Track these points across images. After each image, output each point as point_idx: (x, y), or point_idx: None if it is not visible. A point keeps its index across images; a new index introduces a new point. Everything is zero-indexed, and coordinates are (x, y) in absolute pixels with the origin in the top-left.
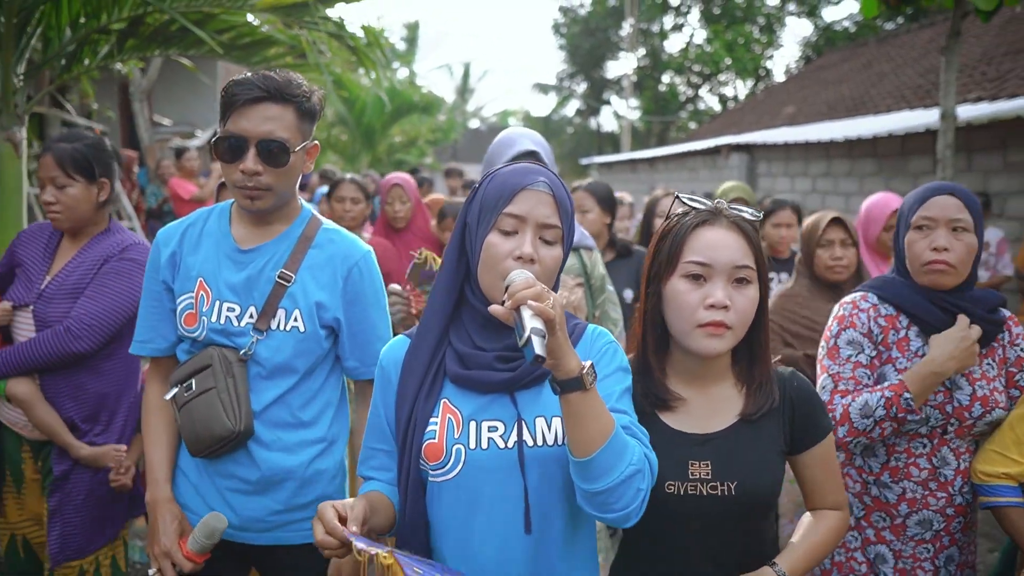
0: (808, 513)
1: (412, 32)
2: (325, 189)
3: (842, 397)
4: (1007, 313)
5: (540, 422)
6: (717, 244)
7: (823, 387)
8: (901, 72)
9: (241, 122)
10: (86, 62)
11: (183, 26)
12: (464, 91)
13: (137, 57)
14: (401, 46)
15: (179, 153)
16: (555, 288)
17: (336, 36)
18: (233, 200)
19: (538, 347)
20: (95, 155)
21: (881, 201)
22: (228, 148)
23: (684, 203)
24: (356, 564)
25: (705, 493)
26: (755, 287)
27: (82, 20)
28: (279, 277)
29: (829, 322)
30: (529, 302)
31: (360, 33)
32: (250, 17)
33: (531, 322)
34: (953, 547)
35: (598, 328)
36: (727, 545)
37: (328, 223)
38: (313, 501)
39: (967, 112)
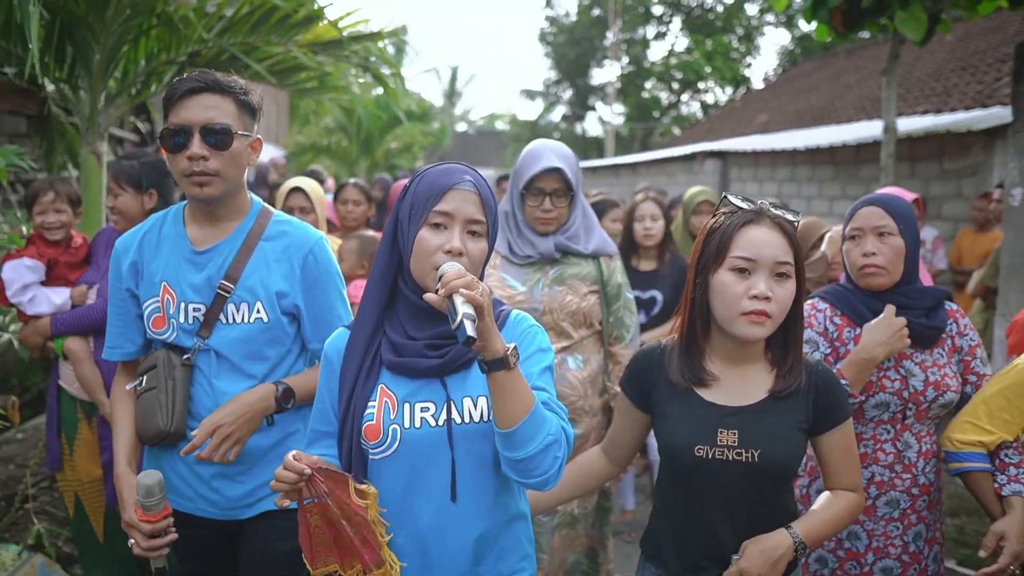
0: (826, 491)
1: (400, 36)
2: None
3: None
4: (953, 306)
5: (467, 402)
6: (761, 242)
7: None
8: (864, 84)
9: (182, 112)
10: (153, 88)
11: (232, 55)
12: (451, 95)
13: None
14: (389, 50)
15: None
16: (480, 277)
17: (363, 66)
18: (185, 203)
19: (470, 329)
20: (145, 170)
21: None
22: (173, 138)
23: (731, 203)
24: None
25: (731, 458)
26: (793, 281)
27: (155, 54)
28: (219, 288)
29: None
30: (461, 290)
31: (378, 60)
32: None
33: (463, 308)
34: (920, 524)
35: (520, 313)
36: (747, 508)
37: (280, 214)
38: None
39: (910, 125)
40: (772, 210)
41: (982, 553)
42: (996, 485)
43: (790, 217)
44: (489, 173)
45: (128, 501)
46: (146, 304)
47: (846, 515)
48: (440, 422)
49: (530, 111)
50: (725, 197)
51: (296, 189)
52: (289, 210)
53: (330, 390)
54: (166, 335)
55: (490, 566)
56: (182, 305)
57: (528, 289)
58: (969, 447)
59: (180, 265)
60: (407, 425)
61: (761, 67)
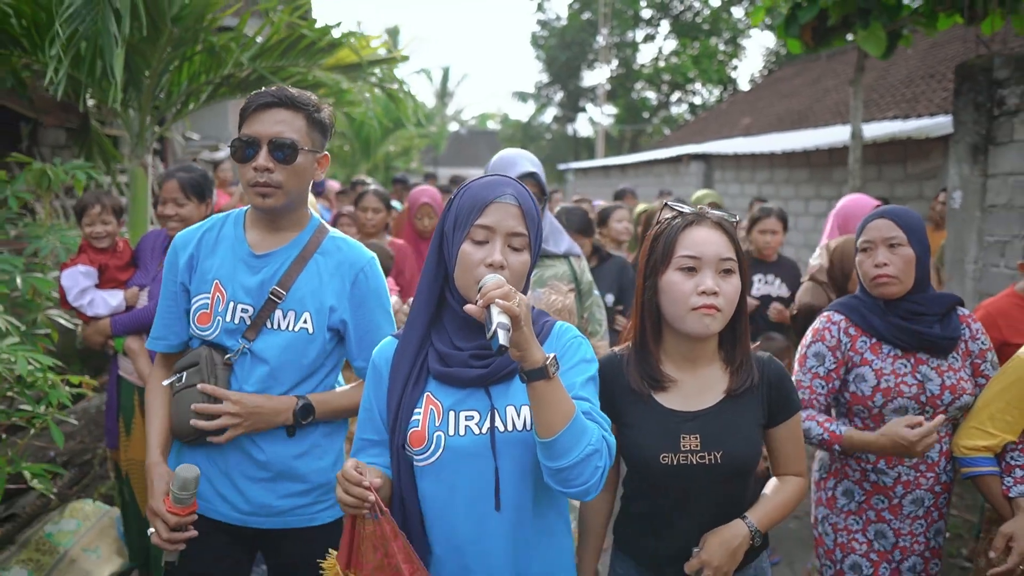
0: (775, 478)
1: (393, 38)
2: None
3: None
4: (965, 311)
5: (511, 410)
6: (705, 240)
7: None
8: (841, 88)
9: (254, 125)
10: (191, 106)
11: (260, 75)
12: (443, 95)
13: (224, 99)
14: (382, 51)
15: (215, 164)
16: (526, 288)
17: (379, 86)
18: (248, 207)
19: (502, 339)
20: (205, 183)
21: (860, 200)
22: (242, 148)
23: (672, 208)
24: (360, 517)
25: (695, 462)
26: (737, 277)
27: (196, 76)
28: (272, 294)
29: (808, 331)
30: (497, 301)
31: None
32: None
33: (498, 318)
34: (941, 521)
35: (565, 324)
36: (712, 506)
37: (335, 231)
38: (314, 489)
39: (878, 130)
40: (711, 212)
41: (992, 554)
42: (1004, 487)
43: (728, 217)
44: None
45: (158, 490)
46: (195, 299)
47: (794, 498)
48: (484, 430)
49: (522, 112)
50: (666, 204)
51: (345, 191)
52: (341, 215)
53: (378, 398)
54: (208, 332)
55: None
56: (231, 304)
57: None
58: (976, 452)
59: (236, 265)
60: (452, 433)
61: (748, 68)
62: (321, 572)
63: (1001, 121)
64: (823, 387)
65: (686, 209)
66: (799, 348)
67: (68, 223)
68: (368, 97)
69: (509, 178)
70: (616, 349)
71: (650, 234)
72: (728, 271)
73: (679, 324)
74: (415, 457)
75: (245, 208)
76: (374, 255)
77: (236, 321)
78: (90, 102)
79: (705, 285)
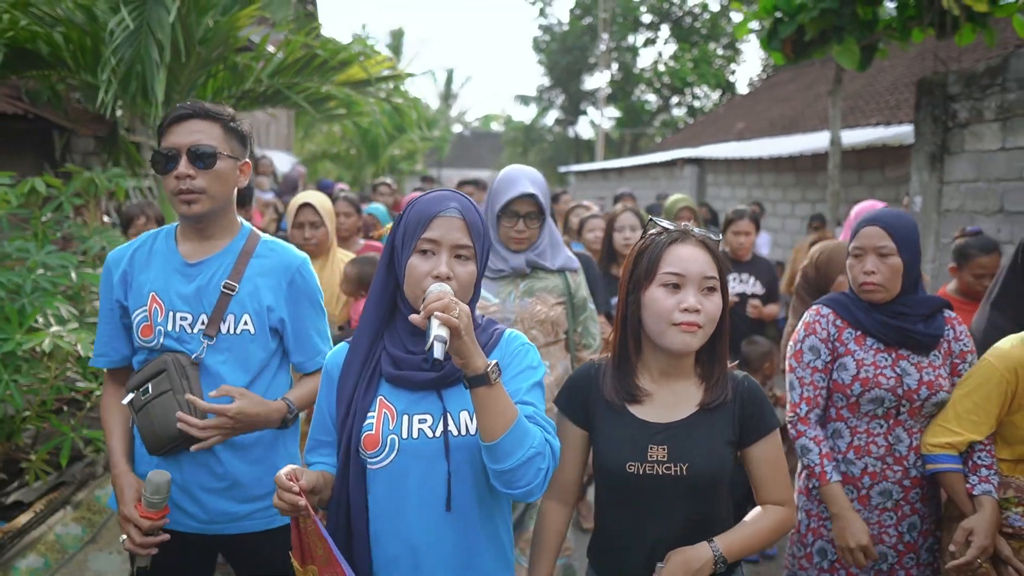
0: (758, 507)
1: (397, 39)
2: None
3: (806, 405)
4: (952, 314)
5: (464, 415)
6: (689, 258)
7: (790, 384)
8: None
9: (172, 137)
10: None
11: (276, 89)
12: (447, 97)
13: (247, 111)
14: (386, 52)
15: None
16: (475, 297)
17: (386, 100)
18: (177, 223)
19: (437, 352)
20: (246, 188)
21: (874, 208)
22: (163, 160)
23: (658, 225)
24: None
25: (660, 473)
26: (719, 295)
27: (219, 91)
28: (224, 287)
29: (799, 326)
30: (436, 314)
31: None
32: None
33: (436, 330)
34: (915, 516)
35: (514, 332)
36: (681, 520)
37: (266, 236)
38: (268, 493)
39: (860, 137)
40: (695, 230)
41: (952, 548)
42: (968, 485)
43: (712, 236)
44: (486, 175)
45: (128, 497)
46: (135, 313)
47: (774, 528)
48: (437, 433)
49: (524, 114)
50: (651, 220)
51: (305, 204)
52: (300, 225)
53: (328, 402)
54: (152, 342)
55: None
56: (170, 314)
57: (501, 300)
58: (940, 449)
59: (170, 276)
60: (405, 436)
61: (747, 72)
62: (290, 571)
63: (954, 133)
64: (822, 380)
65: (671, 226)
66: (792, 344)
67: (110, 225)
68: (375, 108)
69: (455, 192)
70: (595, 359)
71: (633, 248)
72: (711, 289)
73: (660, 339)
74: (368, 460)
75: (175, 224)
76: (307, 256)
77: (176, 329)
78: (118, 112)
79: (688, 303)
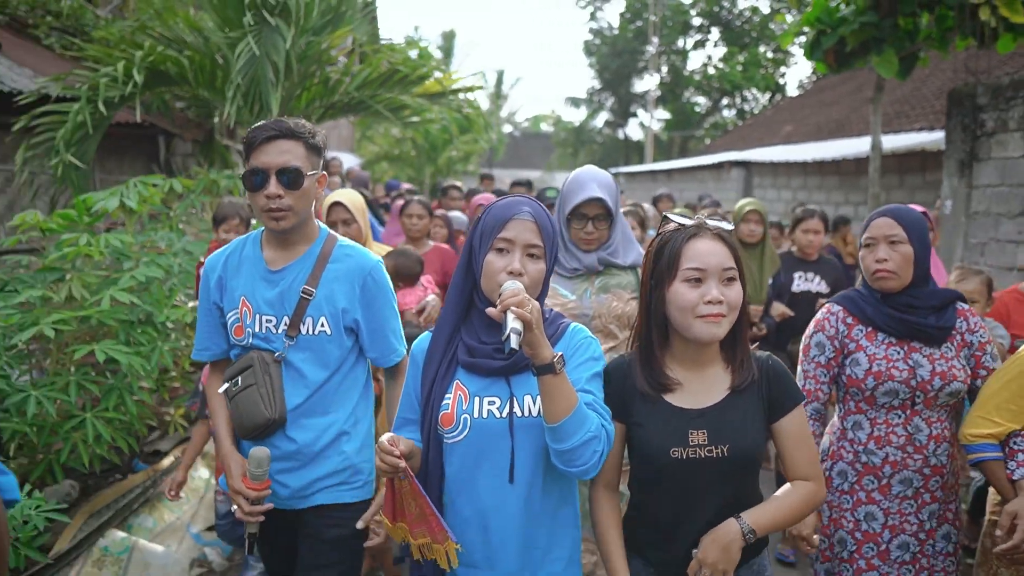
0: (787, 483)
1: (448, 41)
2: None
3: (805, 398)
4: (964, 307)
5: (527, 399)
6: (707, 252)
7: (798, 375)
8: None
9: (261, 157)
10: None
11: (360, 100)
12: (498, 97)
13: (332, 119)
14: (437, 54)
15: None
16: (543, 293)
17: (457, 110)
18: (262, 229)
19: (513, 342)
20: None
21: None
22: (253, 179)
23: (672, 221)
24: (391, 481)
25: (703, 456)
26: (738, 284)
27: (311, 102)
28: (303, 292)
29: (811, 322)
30: (512, 308)
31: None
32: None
33: (512, 323)
34: (935, 503)
35: (578, 326)
36: (719, 501)
37: (343, 240)
38: (340, 471)
39: (902, 141)
40: (710, 223)
41: (998, 532)
42: (1008, 471)
43: (726, 227)
44: (536, 175)
45: (236, 473)
46: (229, 315)
47: (802, 503)
48: (504, 414)
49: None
50: (665, 216)
51: (337, 203)
52: (332, 224)
53: (415, 384)
54: (244, 341)
55: (543, 549)
56: (257, 317)
57: (578, 297)
58: (981, 439)
59: (256, 283)
60: (476, 415)
61: (798, 74)
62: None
63: (982, 141)
64: (825, 375)
65: (686, 222)
66: (803, 338)
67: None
68: (446, 116)
69: (528, 197)
70: (625, 354)
71: (651, 245)
72: (730, 279)
73: (687, 331)
74: (445, 435)
75: (261, 230)
76: (380, 259)
77: (263, 331)
78: (214, 120)
79: (711, 295)
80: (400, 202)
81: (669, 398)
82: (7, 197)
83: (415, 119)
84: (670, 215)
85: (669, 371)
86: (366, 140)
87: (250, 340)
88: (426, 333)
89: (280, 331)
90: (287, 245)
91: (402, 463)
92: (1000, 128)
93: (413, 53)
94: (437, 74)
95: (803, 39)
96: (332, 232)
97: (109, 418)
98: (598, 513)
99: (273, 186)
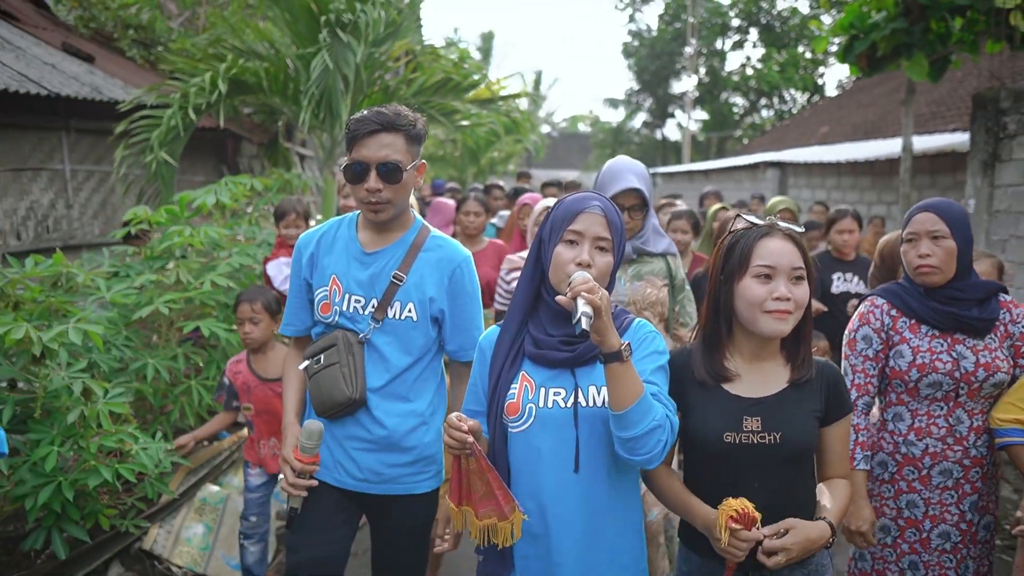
0: (825, 482)
1: (487, 42)
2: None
3: (856, 391)
4: (1007, 298)
5: (592, 389)
6: (778, 251)
7: (843, 371)
8: (917, 99)
9: (363, 151)
10: None
11: (416, 107)
12: (536, 98)
13: None
14: (476, 55)
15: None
16: (611, 286)
17: (505, 115)
18: (359, 212)
19: (584, 324)
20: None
21: None
22: (354, 172)
23: (746, 220)
24: (459, 455)
25: (755, 442)
26: (806, 284)
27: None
28: (394, 277)
29: (854, 316)
30: (583, 294)
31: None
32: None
33: (583, 308)
34: (975, 495)
35: (642, 320)
36: (771, 488)
37: (435, 231)
38: (416, 461)
39: (934, 142)
40: (782, 224)
41: (1019, 513)
42: None
43: (797, 229)
44: (573, 176)
45: (289, 443)
46: (317, 292)
47: (848, 499)
48: (568, 404)
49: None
50: (739, 215)
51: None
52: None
53: (481, 375)
54: (329, 319)
55: (608, 542)
56: (347, 296)
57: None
58: (1009, 424)
59: (350, 263)
60: (541, 405)
61: (836, 75)
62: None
63: (1004, 143)
64: (873, 368)
65: (759, 221)
66: (847, 333)
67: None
68: (494, 120)
69: (597, 194)
70: (687, 344)
71: (722, 241)
72: (799, 278)
73: (752, 325)
74: (510, 424)
75: (357, 213)
76: (469, 253)
77: (350, 310)
78: (279, 124)
79: (779, 292)
80: (439, 200)
81: (727, 387)
82: (101, 195)
83: (465, 123)
84: (744, 215)
85: (729, 363)
86: None
87: (336, 319)
88: (494, 326)
89: (367, 312)
90: (383, 230)
91: (469, 438)
92: (1021, 131)
93: (453, 55)
94: (486, 80)
95: (837, 45)
96: (425, 222)
97: (209, 385)
98: (657, 480)
99: (373, 180)
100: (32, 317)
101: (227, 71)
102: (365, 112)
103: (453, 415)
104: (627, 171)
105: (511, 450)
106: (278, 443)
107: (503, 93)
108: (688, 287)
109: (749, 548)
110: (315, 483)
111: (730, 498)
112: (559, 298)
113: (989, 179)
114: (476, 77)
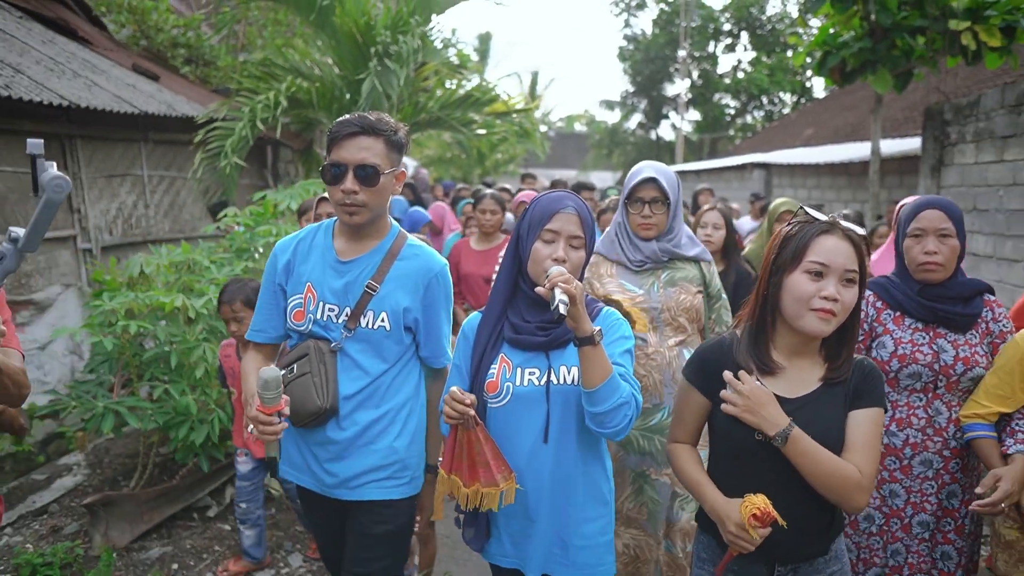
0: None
1: (484, 43)
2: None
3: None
4: (991, 298)
5: (563, 369)
6: (834, 250)
7: None
8: (892, 105)
9: (341, 152)
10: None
11: (437, 116)
12: (532, 98)
13: (416, 133)
14: (474, 56)
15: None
16: (580, 278)
17: (518, 126)
18: (336, 219)
19: (562, 309)
20: (414, 193)
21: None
22: (331, 173)
23: (807, 214)
24: (457, 428)
25: None
26: (856, 287)
27: (402, 118)
28: (367, 287)
29: None
30: (560, 284)
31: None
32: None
33: (560, 296)
34: (954, 484)
35: (609, 308)
36: (798, 488)
37: (412, 239)
38: (386, 465)
39: (903, 146)
40: (843, 223)
41: (979, 490)
42: (1004, 447)
43: (859, 231)
44: (571, 175)
45: (251, 403)
46: (291, 299)
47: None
48: (542, 383)
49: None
50: (802, 208)
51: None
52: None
53: (464, 358)
54: (302, 327)
55: (577, 506)
56: (321, 304)
57: (645, 291)
58: (971, 419)
59: (325, 271)
60: (518, 383)
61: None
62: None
63: (948, 150)
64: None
65: (822, 217)
66: None
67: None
68: (507, 129)
69: (570, 193)
70: (724, 335)
71: (779, 233)
72: (850, 280)
73: (795, 321)
74: (490, 401)
75: (334, 219)
76: (446, 263)
77: (324, 318)
78: (315, 133)
79: (828, 291)
80: (436, 203)
81: (766, 382)
82: (169, 197)
83: (482, 132)
84: (807, 209)
85: (773, 354)
86: (415, 144)
87: (309, 327)
88: (476, 313)
89: (340, 321)
90: (358, 238)
91: (471, 411)
92: (961, 139)
93: (452, 56)
94: (500, 99)
95: (812, 60)
96: (402, 230)
97: None
98: (679, 460)
99: (350, 182)
100: (172, 292)
101: (287, 90)
102: (348, 116)
103: (455, 388)
104: (647, 166)
105: (490, 423)
106: None
107: (518, 107)
108: (724, 296)
109: (758, 544)
110: (286, 425)
111: (751, 495)
112: (538, 289)
113: (936, 181)
114: (495, 92)
